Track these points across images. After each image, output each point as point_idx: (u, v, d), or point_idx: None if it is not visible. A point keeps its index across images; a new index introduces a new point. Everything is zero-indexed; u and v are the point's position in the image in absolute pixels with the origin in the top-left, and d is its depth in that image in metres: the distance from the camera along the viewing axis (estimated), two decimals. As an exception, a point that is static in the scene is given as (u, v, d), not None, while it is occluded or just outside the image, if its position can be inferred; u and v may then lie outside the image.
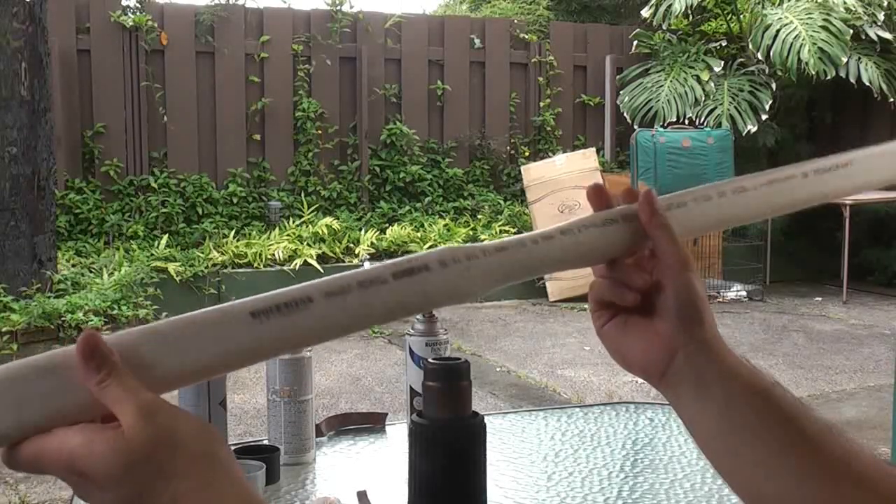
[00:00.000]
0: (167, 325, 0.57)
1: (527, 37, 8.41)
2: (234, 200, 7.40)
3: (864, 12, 7.47)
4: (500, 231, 7.47)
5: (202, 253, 6.61)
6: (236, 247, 6.73)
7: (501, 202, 7.98)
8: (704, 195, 0.73)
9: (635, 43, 8.32)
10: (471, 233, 7.39)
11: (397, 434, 1.57)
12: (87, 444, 0.53)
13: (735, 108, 7.53)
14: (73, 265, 6.12)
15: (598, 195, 0.71)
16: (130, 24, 7.15)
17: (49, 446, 0.54)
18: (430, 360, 1.24)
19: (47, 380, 0.54)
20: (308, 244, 6.87)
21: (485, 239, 7.21)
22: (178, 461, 0.54)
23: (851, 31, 7.30)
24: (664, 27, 8.02)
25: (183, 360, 0.57)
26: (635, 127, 7.58)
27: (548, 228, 0.69)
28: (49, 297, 5.15)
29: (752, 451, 0.66)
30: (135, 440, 0.53)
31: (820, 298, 7.25)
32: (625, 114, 7.96)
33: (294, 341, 0.60)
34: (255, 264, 6.60)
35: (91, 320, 5.00)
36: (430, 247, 7.03)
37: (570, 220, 0.69)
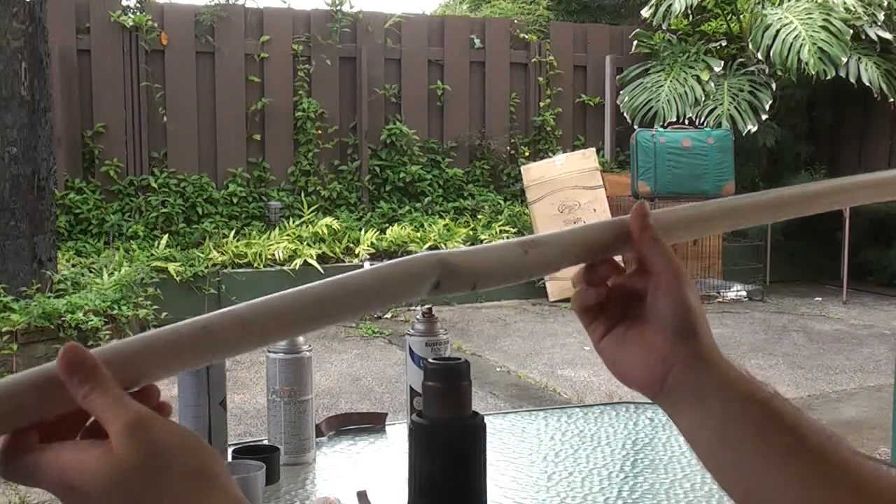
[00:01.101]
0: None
1: (527, 37, 8.41)
2: (234, 200, 7.40)
3: (864, 12, 7.47)
4: (500, 231, 7.47)
5: (202, 253, 6.61)
6: (236, 247, 6.73)
7: (501, 202, 7.98)
8: (697, 226, 0.76)
9: (635, 43, 8.32)
10: (471, 233, 7.39)
11: (397, 434, 1.57)
12: (77, 460, 0.53)
13: (735, 108, 7.53)
14: (73, 265, 6.12)
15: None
16: (130, 24, 7.15)
17: (41, 461, 0.53)
18: (430, 360, 1.24)
19: (41, 391, 0.54)
20: (308, 244, 6.87)
21: (485, 239, 7.21)
22: (168, 478, 0.53)
23: (851, 31, 7.30)
24: (664, 27, 8.03)
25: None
26: (635, 127, 7.58)
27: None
28: (49, 297, 5.14)
29: (752, 463, 0.66)
30: (123, 457, 0.52)
31: (820, 298, 7.25)
32: (625, 114, 7.96)
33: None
34: (255, 264, 6.60)
35: (91, 320, 5.00)
36: (431, 247, 7.05)
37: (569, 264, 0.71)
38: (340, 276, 0.62)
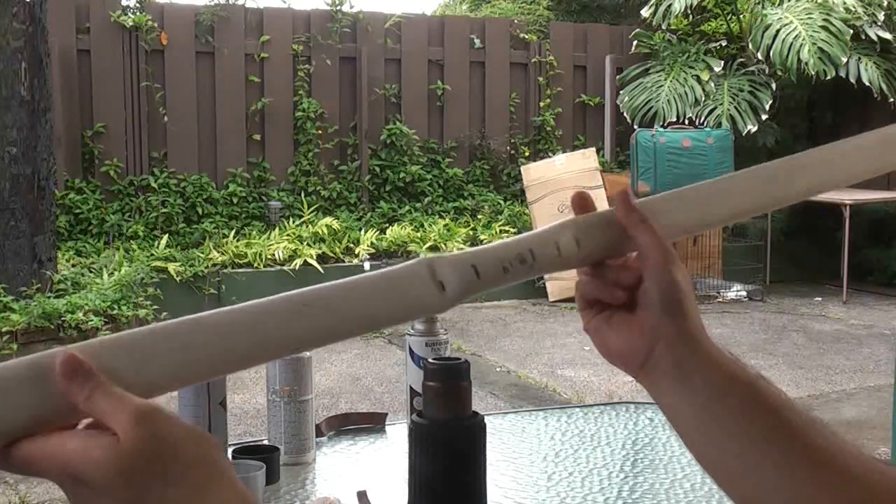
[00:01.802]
0: (138, 336, 0.57)
1: (527, 37, 8.41)
2: (234, 200, 7.40)
3: (864, 12, 7.47)
4: (500, 231, 7.47)
5: (202, 253, 6.61)
6: (236, 247, 6.73)
7: (501, 202, 7.98)
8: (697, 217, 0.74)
9: (635, 43, 8.32)
10: (471, 233, 7.39)
11: (397, 434, 1.57)
12: (83, 449, 0.53)
13: (735, 108, 7.53)
14: (73, 265, 6.12)
15: (581, 204, 0.71)
16: (130, 24, 7.15)
17: (45, 450, 0.53)
18: (430, 360, 1.24)
19: (33, 385, 0.54)
20: (308, 244, 6.87)
21: (485, 239, 7.22)
22: (173, 466, 0.53)
23: (851, 31, 7.30)
24: (664, 27, 8.02)
25: (158, 373, 0.57)
26: (635, 127, 7.58)
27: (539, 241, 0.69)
28: (49, 297, 5.14)
29: (735, 442, 0.66)
30: (131, 445, 0.52)
31: (820, 298, 7.25)
32: (625, 114, 7.96)
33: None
34: (255, 264, 6.60)
35: (91, 320, 5.00)
36: (430, 247, 7.05)
37: (554, 225, 0.70)
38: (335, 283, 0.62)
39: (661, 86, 7.87)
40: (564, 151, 8.01)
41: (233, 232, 7.08)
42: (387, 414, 1.63)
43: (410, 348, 1.46)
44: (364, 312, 0.63)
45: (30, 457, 0.54)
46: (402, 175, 7.86)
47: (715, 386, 0.67)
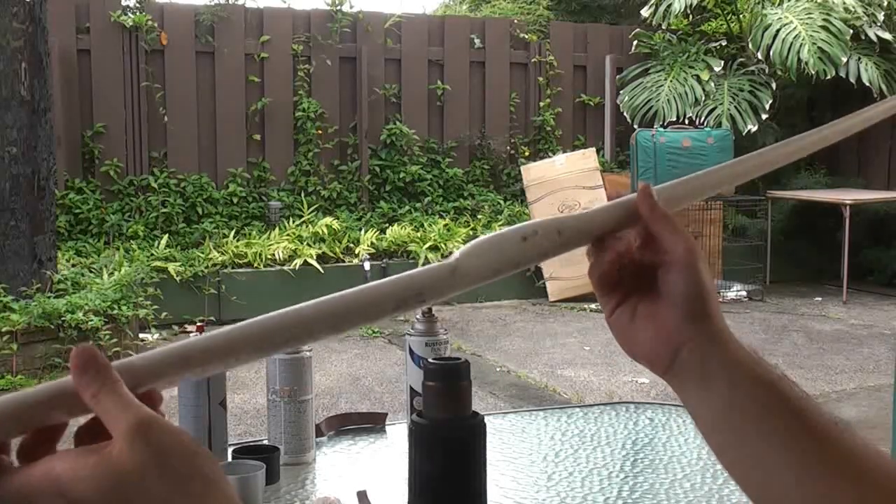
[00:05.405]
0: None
1: (527, 37, 8.41)
2: (234, 200, 7.40)
3: (864, 12, 7.47)
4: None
5: (202, 253, 6.61)
6: (236, 247, 6.73)
7: (501, 202, 7.98)
8: (699, 193, 0.77)
9: (635, 43, 8.32)
10: (471, 233, 7.39)
11: (397, 434, 1.57)
12: (73, 468, 0.52)
13: (735, 107, 7.53)
14: (73, 265, 6.11)
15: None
16: (130, 24, 7.15)
17: (35, 473, 0.53)
18: (430, 360, 1.24)
19: (53, 400, 0.54)
20: (308, 244, 6.87)
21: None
22: (167, 482, 0.52)
23: (851, 31, 7.31)
24: (664, 27, 8.03)
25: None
26: (635, 127, 7.58)
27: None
28: (49, 297, 5.14)
29: (755, 444, 0.66)
30: (123, 462, 0.52)
31: (820, 298, 7.25)
32: (625, 114, 7.96)
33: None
34: (255, 264, 6.60)
35: (91, 320, 4.99)
36: (430, 247, 7.05)
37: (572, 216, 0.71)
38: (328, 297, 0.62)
39: (661, 86, 7.87)
40: (564, 151, 8.01)
41: (233, 232, 7.08)
42: (387, 414, 1.63)
43: (410, 348, 1.46)
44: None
45: (22, 484, 0.53)
46: (402, 175, 7.86)
47: (736, 389, 0.67)
